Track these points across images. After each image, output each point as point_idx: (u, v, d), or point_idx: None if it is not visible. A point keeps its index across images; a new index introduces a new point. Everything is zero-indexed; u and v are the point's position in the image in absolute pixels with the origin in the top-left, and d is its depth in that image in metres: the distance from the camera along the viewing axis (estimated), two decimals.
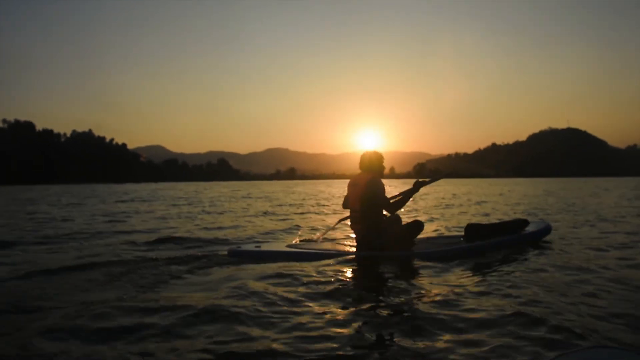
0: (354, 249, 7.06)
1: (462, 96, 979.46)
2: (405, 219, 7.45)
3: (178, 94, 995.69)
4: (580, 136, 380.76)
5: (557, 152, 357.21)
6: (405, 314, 4.24)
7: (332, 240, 8.60)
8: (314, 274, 5.77)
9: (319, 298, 4.75)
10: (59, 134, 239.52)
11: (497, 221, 8.86)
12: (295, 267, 6.15)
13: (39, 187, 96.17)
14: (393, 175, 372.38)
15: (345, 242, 7.83)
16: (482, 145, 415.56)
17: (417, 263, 6.51)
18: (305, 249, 7.39)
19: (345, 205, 7.18)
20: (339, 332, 3.79)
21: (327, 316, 4.16)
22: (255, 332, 3.83)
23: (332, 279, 5.52)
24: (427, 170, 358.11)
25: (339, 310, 4.37)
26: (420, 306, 4.41)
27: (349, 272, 6.03)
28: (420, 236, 7.62)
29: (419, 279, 5.70)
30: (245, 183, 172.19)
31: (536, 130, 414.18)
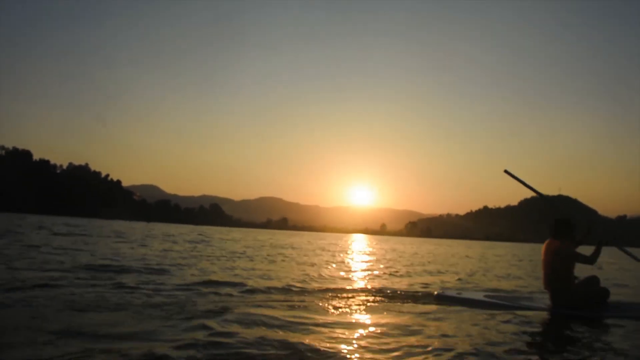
0: (549, 304, 8.17)
1: (455, 157, 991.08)
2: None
3: (175, 134, 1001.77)
4: (572, 204, 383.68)
5: (547, 218, 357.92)
6: None
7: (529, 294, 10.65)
8: (511, 324, 7.01)
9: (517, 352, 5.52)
10: (55, 165, 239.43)
11: None
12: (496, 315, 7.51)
13: (31, 217, 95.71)
14: (384, 232, 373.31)
15: (543, 297, 8.82)
16: (474, 207, 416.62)
17: (611, 322, 7.52)
18: (501, 300, 8.78)
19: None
20: None
21: None
22: None
23: (527, 331, 6.68)
24: (418, 229, 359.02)
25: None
26: None
27: (546, 327, 7.35)
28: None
29: (614, 338, 6.58)
30: (243, 230, 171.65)
31: (528, 195, 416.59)
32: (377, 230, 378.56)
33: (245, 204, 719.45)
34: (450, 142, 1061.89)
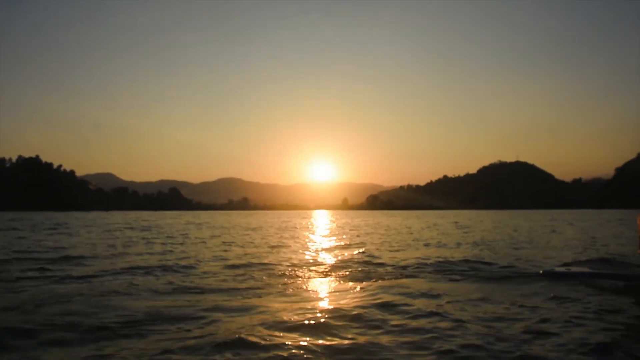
0: None
1: (414, 129, 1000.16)
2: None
3: (129, 121, 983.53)
4: (529, 169, 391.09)
5: (506, 184, 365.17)
6: None
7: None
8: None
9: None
10: (3, 159, 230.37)
11: None
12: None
13: None
14: (346, 206, 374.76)
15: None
16: (434, 178, 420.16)
17: None
18: (609, 271, 9.68)
19: None
20: None
21: None
22: None
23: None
24: (380, 202, 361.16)
25: None
26: None
27: None
28: None
29: None
30: (203, 213, 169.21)
31: (486, 163, 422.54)
32: (339, 205, 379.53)
33: (204, 186, 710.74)
34: (408, 113, 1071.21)
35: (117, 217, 70.93)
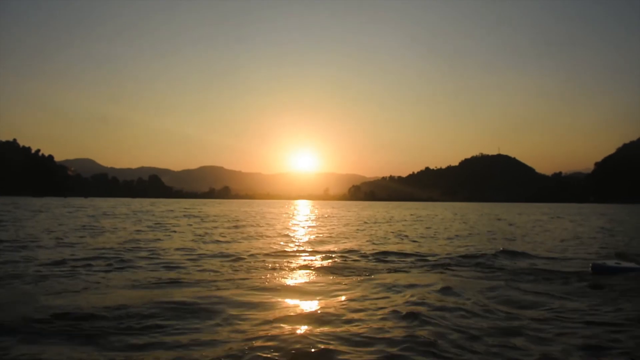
0: None
1: (397, 121, 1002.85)
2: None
3: (110, 106, 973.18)
4: (510, 162, 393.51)
5: (487, 177, 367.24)
6: None
7: None
8: None
9: None
10: None
11: None
12: None
13: None
14: (328, 196, 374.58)
15: None
16: (416, 169, 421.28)
17: None
18: None
19: None
20: None
21: None
22: None
23: None
24: (362, 193, 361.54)
25: None
26: None
27: None
28: None
29: None
30: (183, 200, 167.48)
31: (468, 155, 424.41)
32: (321, 195, 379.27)
33: (185, 174, 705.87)
34: (391, 105, 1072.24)
35: (96, 203, 69.20)
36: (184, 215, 39.68)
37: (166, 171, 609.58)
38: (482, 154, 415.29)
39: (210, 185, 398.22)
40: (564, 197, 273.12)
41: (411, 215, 49.27)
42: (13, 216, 31.85)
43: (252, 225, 27.92)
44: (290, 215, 44.57)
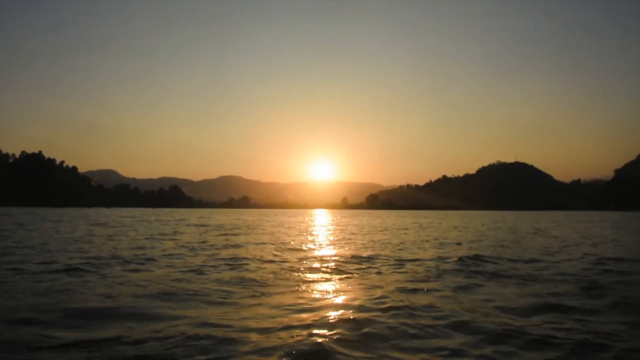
0: None
1: (413, 129, 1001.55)
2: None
3: (131, 117, 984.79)
4: (528, 170, 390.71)
5: (505, 185, 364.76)
6: None
7: None
8: None
9: None
10: (7, 155, 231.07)
11: None
12: None
13: None
14: (346, 205, 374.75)
15: None
16: (433, 178, 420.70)
17: None
18: None
19: None
20: None
21: None
22: None
23: None
24: (379, 201, 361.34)
25: None
26: None
27: None
28: None
29: None
30: (204, 210, 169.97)
31: (485, 163, 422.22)
32: (339, 204, 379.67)
33: (205, 184, 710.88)
34: (408, 113, 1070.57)
35: (121, 213, 70.93)
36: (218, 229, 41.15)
37: (186, 181, 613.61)
38: (499, 161, 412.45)
39: (229, 195, 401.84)
40: (582, 204, 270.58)
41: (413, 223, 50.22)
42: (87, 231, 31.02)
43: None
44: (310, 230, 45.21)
